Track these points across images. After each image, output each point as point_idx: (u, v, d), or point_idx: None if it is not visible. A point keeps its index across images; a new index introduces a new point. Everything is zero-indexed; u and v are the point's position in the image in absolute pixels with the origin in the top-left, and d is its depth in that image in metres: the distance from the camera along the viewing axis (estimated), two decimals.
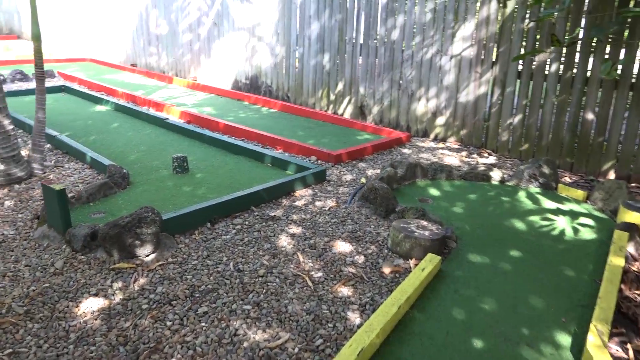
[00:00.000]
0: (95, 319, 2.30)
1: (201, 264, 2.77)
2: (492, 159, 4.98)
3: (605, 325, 2.21)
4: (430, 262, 2.71)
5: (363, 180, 4.12)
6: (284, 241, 3.06)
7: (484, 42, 5.03)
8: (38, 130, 3.84)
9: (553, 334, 2.29)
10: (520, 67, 4.90)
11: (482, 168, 4.25)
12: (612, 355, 2.14)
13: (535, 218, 3.50)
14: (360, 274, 2.74)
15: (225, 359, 2.08)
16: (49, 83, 7.73)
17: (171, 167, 4.13)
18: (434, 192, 3.91)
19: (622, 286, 2.65)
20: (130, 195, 3.57)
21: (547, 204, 3.76)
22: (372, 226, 3.30)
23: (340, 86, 6.33)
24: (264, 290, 2.55)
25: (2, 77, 7.54)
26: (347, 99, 6.30)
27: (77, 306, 2.38)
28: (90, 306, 2.39)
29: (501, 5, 4.85)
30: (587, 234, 3.30)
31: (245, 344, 2.16)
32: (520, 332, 2.29)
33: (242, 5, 7.22)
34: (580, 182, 4.40)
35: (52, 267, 2.68)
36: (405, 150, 5.13)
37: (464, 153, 5.11)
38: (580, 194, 3.89)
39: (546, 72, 4.72)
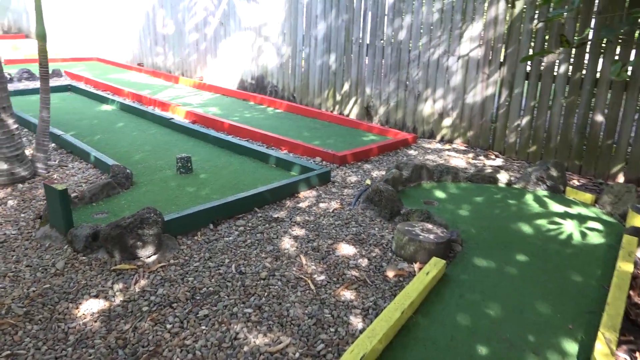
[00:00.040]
0: (95, 321, 2.28)
1: (203, 266, 2.75)
2: (499, 161, 4.92)
3: (613, 332, 2.16)
4: (435, 266, 2.67)
5: (368, 181, 4.08)
6: (286, 243, 3.03)
7: (492, 42, 4.97)
8: (42, 129, 3.83)
9: (559, 341, 2.24)
10: (528, 68, 4.84)
11: (488, 170, 4.20)
12: None
13: (542, 222, 3.45)
14: (364, 277, 2.70)
15: None
16: (56, 82, 7.75)
17: (175, 167, 4.11)
18: (439, 194, 3.86)
19: (631, 292, 2.59)
20: (134, 195, 3.56)
21: (555, 207, 3.71)
22: (376, 229, 3.26)
23: (346, 87, 6.29)
24: (266, 293, 2.52)
25: (9, 76, 7.57)
26: (353, 99, 6.26)
27: (77, 308, 2.36)
28: (90, 308, 2.36)
29: (509, 5, 4.80)
30: (595, 239, 3.24)
31: (246, 348, 2.13)
32: (526, 338, 2.25)
33: (249, 5, 7.20)
34: (589, 185, 4.34)
35: (53, 268, 2.67)
36: (411, 152, 5.09)
37: (471, 155, 5.06)
38: (588, 197, 3.83)
39: (555, 73, 4.65)
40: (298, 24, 6.66)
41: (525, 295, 2.59)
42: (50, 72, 8.17)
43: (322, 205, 3.60)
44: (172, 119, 5.47)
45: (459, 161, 4.83)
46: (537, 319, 2.39)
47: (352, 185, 4.03)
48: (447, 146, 5.35)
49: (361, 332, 2.26)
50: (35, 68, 8.57)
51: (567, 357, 2.14)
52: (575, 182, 4.41)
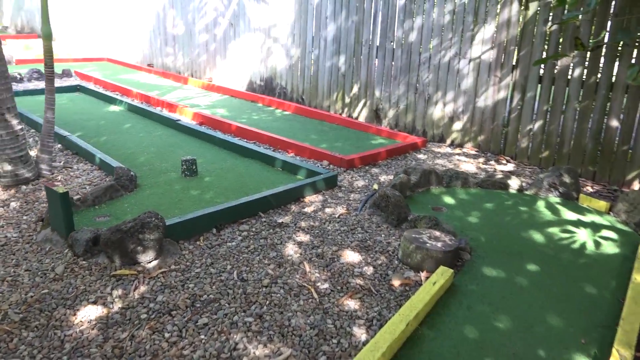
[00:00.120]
0: (92, 329, 2.22)
1: (204, 272, 2.69)
2: (510, 166, 4.82)
3: (628, 349, 2.07)
4: (442, 275, 2.59)
5: (375, 186, 4.00)
6: (290, 249, 2.96)
7: (504, 45, 4.87)
8: (47, 130, 3.80)
9: (571, 357, 2.15)
10: (541, 72, 4.73)
11: (499, 176, 4.10)
12: None
13: (554, 230, 3.35)
14: (369, 286, 2.63)
15: None
16: (66, 82, 7.77)
17: (180, 169, 4.06)
18: (448, 200, 3.77)
19: None
20: (137, 198, 3.51)
21: (568, 215, 3.60)
22: (382, 235, 3.18)
23: (355, 89, 6.22)
24: (267, 302, 2.46)
25: (19, 76, 7.59)
26: (362, 102, 6.18)
27: (75, 314, 2.31)
28: (87, 314, 2.31)
29: (523, 7, 4.69)
30: (610, 248, 3.13)
31: (245, 359, 2.07)
32: (536, 353, 2.16)
33: (259, 6, 7.16)
34: (603, 192, 4.22)
35: (52, 273, 2.62)
36: (421, 156, 5.00)
37: (481, 159, 4.96)
38: (602, 205, 3.72)
39: (569, 77, 4.54)
40: (308, 25, 6.60)
41: (535, 307, 2.50)
42: (60, 72, 8.22)
43: (327, 210, 3.53)
44: (179, 120, 5.43)
45: (469, 166, 4.73)
46: (547, 332, 2.30)
47: (359, 189, 3.96)
48: (457, 150, 5.25)
49: (364, 344, 2.18)
50: None
51: None
52: (589, 189, 4.29)
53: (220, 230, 3.15)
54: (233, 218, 3.25)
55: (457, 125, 5.36)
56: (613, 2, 4.17)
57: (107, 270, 2.66)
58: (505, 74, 4.91)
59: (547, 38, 4.61)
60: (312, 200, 3.69)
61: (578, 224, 3.46)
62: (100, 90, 7.14)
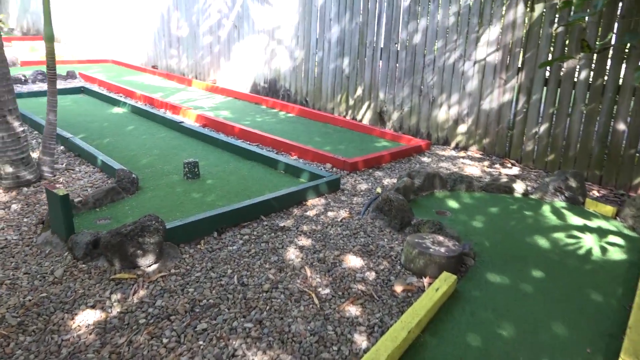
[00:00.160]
0: (90, 333, 2.20)
1: (204, 277, 2.66)
2: (515, 170, 4.77)
3: (635, 359, 2.02)
4: (445, 281, 2.55)
5: (379, 190, 3.96)
6: (292, 254, 2.93)
7: (510, 47, 4.82)
8: (49, 132, 3.79)
9: None
10: (547, 74, 4.68)
11: (504, 179, 4.05)
12: None
13: (560, 235, 3.30)
14: (370, 292, 2.59)
15: None
16: (70, 84, 7.77)
17: (182, 172, 4.04)
18: (452, 204, 3.73)
19: None
20: (138, 201, 3.49)
21: (573, 219, 3.55)
22: (385, 240, 3.15)
23: (359, 91, 6.18)
24: (268, 307, 2.42)
25: (23, 78, 7.61)
26: (366, 104, 6.15)
27: (73, 318, 2.29)
28: (85, 319, 2.29)
29: (528, 8, 4.65)
30: (616, 254, 3.08)
31: None
32: None
33: (263, 8, 7.14)
34: (610, 197, 4.17)
35: (52, 276, 2.60)
36: (425, 159, 4.96)
37: (486, 163, 4.91)
38: (609, 209, 3.67)
39: (575, 80, 4.49)
40: (312, 27, 6.58)
41: (540, 314, 2.45)
42: (65, 73, 8.23)
43: (330, 214, 3.50)
44: (182, 122, 5.41)
45: (473, 169, 4.69)
46: (552, 340, 2.26)
47: (362, 193, 3.92)
48: (462, 153, 5.21)
49: (365, 351, 2.15)
50: None
51: None
52: (595, 193, 4.24)
53: (221, 234, 3.12)
54: (234, 221, 3.22)
55: (462, 128, 5.31)
56: (620, 4, 4.12)
57: (106, 274, 2.63)
58: (511, 76, 4.87)
59: (553, 40, 4.56)
60: (315, 204, 3.66)
61: (584, 229, 3.41)
62: (104, 92, 7.15)
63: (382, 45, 5.84)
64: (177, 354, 2.09)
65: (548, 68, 4.68)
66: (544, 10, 4.54)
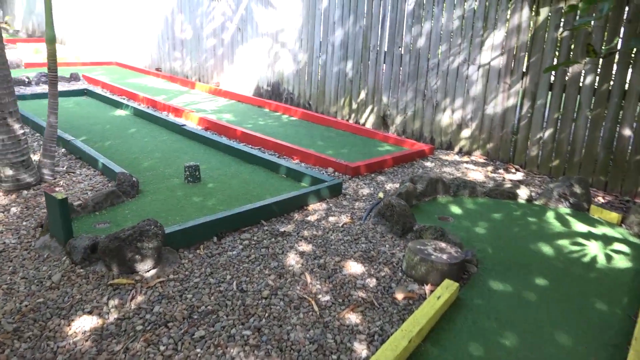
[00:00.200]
0: (86, 340, 2.17)
1: (203, 282, 2.63)
2: (519, 175, 4.72)
3: None
4: (447, 289, 2.51)
5: (381, 195, 3.93)
6: (292, 259, 2.89)
7: (514, 51, 4.78)
8: (49, 135, 3.77)
9: None
10: (552, 79, 4.64)
11: (508, 185, 4.01)
12: None
13: (564, 242, 3.25)
14: (371, 299, 2.55)
15: None
16: (74, 86, 7.78)
17: (183, 175, 4.01)
18: (455, 209, 3.69)
19: None
20: (138, 204, 3.46)
21: (578, 226, 3.51)
22: (387, 246, 3.11)
23: (362, 95, 6.15)
24: (266, 314, 2.39)
25: (27, 79, 7.61)
26: (369, 108, 6.11)
27: (69, 325, 2.26)
28: (82, 325, 2.26)
29: (534, 12, 4.61)
30: (622, 262, 3.03)
31: None
32: None
33: (266, 11, 7.13)
34: (615, 203, 4.12)
35: (49, 281, 2.58)
36: (428, 164, 4.92)
37: (490, 168, 4.86)
38: (614, 216, 3.62)
39: (580, 84, 4.44)
40: (315, 30, 6.55)
41: (543, 323, 2.41)
42: (69, 75, 8.23)
43: (331, 219, 3.46)
44: (185, 125, 5.40)
45: (477, 174, 4.64)
46: (556, 350, 2.22)
47: (364, 198, 3.88)
48: (466, 158, 5.16)
49: None
50: None
51: None
52: (600, 200, 4.19)
53: (221, 239, 3.09)
54: (235, 226, 3.19)
55: (466, 133, 5.27)
56: (626, 8, 4.08)
57: (104, 279, 2.61)
58: (515, 80, 4.83)
59: (559, 44, 4.52)
60: (316, 209, 3.62)
61: (589, 236, 3.36)
62: (107, 94, 7.14)
63: (385, 49, 5.81)
64: None
65: (553, 72, 4.64)
66: (550, 14, 4.50)
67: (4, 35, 12.83)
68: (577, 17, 4.32)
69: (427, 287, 2.66)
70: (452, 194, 3.97)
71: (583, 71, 4.41)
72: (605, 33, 4.21)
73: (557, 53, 4.57)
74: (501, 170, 4.81)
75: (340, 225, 3.37)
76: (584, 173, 4.50)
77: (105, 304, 2.42)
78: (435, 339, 2.26)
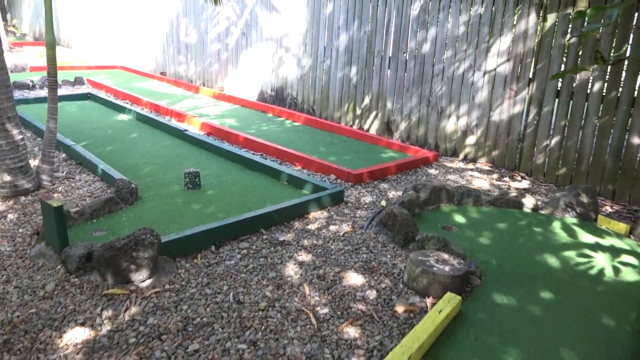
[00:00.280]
0: (77, 353, 2.12)
1: (199, 293, 2.57)
2: (525, 183, 4.64)
3: None
4: (449, 302, 2.44)
5: (383, 203, 3.86)
6: (291, 270, 2.83)
7: (521, 57, 4.71)
8: (48, 140, 3.74)
9: None
10: (559, 85, 4.56)
11: (513, 194, 3.93)
12: None
13: (570, 253, 3.17)
14: (371, 312, 2.49)
15: None
16: (78, 90, 7.77)
17: (183, 182, 3.97)
18: (459, 219, 3.62)
19: None
20: (136, 212, 3.42)
21: (585, 237, 3.42)
22: (388, 256, 3.04)
23: (367, 100, 6.09)
24: (263, 327, 2.33)
25: (31, 83, 7.61)
26: (373, 113, 6.05)
27: (61, 337, 2.21)
28: (74, 337, 2.21)
29: (541, 18, 4.54)
30: (630, 275, 2.95)
31: None
32: None
33: (271, 15, 7.09)
34: (623, 213, 4.03)
35: (43, 290, 2.53)
36: (432, 171, 4.84)
37: (495, 175, 4.78)
38: (622, 227, 3.53)
39: (588, 92, 4.36)
40: (320, 35, 6.51)
41: (548, 339, 2.33)
42: (73, 79, 8.23)
43: (332, 227, 3.40)
44: (186, 130, 5.36)
45: (482, 182, 4.56)
46: None
47: (366, 206, 3.82)
48: (470, 165, 5.09)
49: None
50: (60, 75, 8.62)
51: None
52: (608, 209, 4.10)
53: (219, 248, 3.04)
54: (233, 235, 3.13)
55: (471, 140, 5.19)
56: (636, 14, 4.00)
57: (98, 289, 2.56)
58: (522, 87, 4.75)
59: (566, 51, 4.44)
60: (317, 217, 3.56)
61: (596, 247, 3.28)
62: (111, 98, 7.12)
63: (390, 54, 5.75)
64: None
65: (560, 79, 4.56)
66: (557, 20, 4.43)
67: (11, 39, 12.89)
68: (585, 24, 4.24)
69: (429, 300, 2.59)
70: (456, 203, 3.90)
71: (591, 78, 4.33)
72: (614, 40, 4.13)
73: (564, 60, 4.50)
74: (506, 178, 4.73)
75: (341, 234, 3.31)
76: (591, 181, 4.42)
77: (99, 315, 2.37)
78: (436, 354, 2.19)
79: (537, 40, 4.61)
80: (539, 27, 4.57)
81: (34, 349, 2.13)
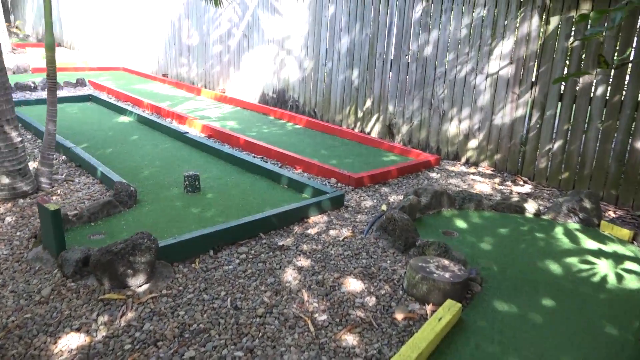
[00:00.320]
0: (72, 359, 2.09)
1: (196, 299, 2.55)
2: (527, 188, 4.60)
3: None
4: (449, 310, 2.40)
5: (384, 207, 3.83)
6: (289, 275, 2.80)
7: (524, 60, 4.68)
8: (47, 142, 3.72)
9: None
10: (562, 89, 4.52)
11: (515, 198, 3.90)
12: None
13: (573, 260, 3.13)
14: (370, 319, 2.45)
15: None
16: (80, 92, 7.77)
17: (182, 185, 3.94)
18: (460, 224, 3.58)
19: None
20: (135, 215, 3.39)
21: (588, 243, 3.38)
22: (388, 262, 3.01)
23: (368, 103, 6.06)
24: (260, 334, 2.30)
25: (33, 85, 7.61)
26: (375, 116, 6.02)
27: (55, 342, 2.18)
28: (69, 343, 2.18)
29: (544, 21, 4.50)
30: (633, 283, 2.91)
31: None
32: None
33: (273, 17, 7.07)
34: (626, 218, 3.98)
35: (38, 295, 2.51)
36: (434, 175, 4.81)
37: (497, 180, 4.75)
38: (625, 233, 3.49)
39: (591, 95, 4.32)
40: (321, 37, 6.48)
41: (550, 348, 2.29)
42: (75, 81, 8.23)
43: (332, 232, 3.37)
44: (187, 132, 5.33)
45: (484, 186, 4.53)
46: None
47: (366, 210, 3.79)
48: (472, 169, 5.05)
49: None
50: (60, 77, 8.62)
51: None
52: (611, 214, 4.06)
53: (217, 252, 3.01)
54: (232, 239, 3.10)
55: (473, 143, 5.16)
56: None
57: (95, 294, 2.53)
58: (524, 90, 4.72)
59: (569, 54, 4.40)
60: (317, 221, 3.53)
61: (599, 253, 3.24)
62: (112, 100, 7.11)
63: (392, 57, 5.72)
64: None
65: (563, 83, 4.52)
66: (560, 23, 4.40)
67: (14, 40, 12.91)
68: (589, 27, 4.21)
69: (429, 307, 2.55)
70: (458, 207, 3.86)
71: (594, 82, 4.29)
72: (618, 43, 4.09)
73: (567, 63, 4.46)
74: (509, 182, 4.69)
75: (340, 239, 3.28)
76: (594, 186, 4.38)
77: (94, 320, 2.34)
78: None
79: (539, 43, 4.58)
80: (541, 30, 4.53)
81: (28, 355, 2.11)
